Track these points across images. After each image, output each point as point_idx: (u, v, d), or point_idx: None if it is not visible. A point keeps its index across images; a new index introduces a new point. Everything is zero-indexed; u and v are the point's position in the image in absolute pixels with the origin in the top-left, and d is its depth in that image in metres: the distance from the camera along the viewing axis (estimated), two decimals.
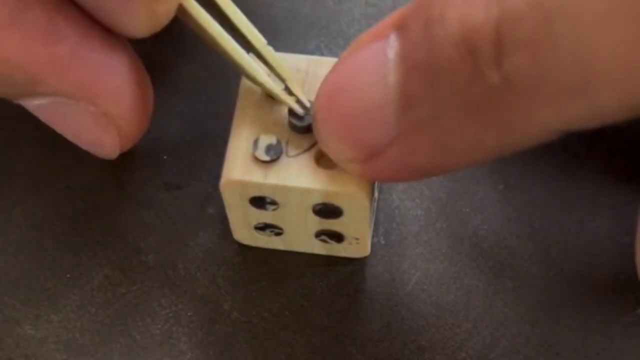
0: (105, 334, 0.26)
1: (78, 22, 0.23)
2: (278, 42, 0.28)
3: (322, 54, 0.29)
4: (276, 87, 0.24)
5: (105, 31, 0.24)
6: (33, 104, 0.24)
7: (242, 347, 0.25)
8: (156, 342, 0.25)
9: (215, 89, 0.29)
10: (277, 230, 0.25)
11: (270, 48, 0.24)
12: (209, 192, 0.27)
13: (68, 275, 0.26)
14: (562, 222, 0.26)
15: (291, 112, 0.23)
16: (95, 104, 0.24)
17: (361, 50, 0.21)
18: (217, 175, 0.24)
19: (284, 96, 0.23)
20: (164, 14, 0.22)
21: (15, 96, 0.25)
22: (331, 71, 0.22)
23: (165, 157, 0.28)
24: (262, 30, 0.24)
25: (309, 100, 0.23)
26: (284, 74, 0.24)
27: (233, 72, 0.24)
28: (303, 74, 0.24)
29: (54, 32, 0.23)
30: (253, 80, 0.24)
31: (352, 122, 0.21)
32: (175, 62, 0.26)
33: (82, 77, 0.24)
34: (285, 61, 0.24)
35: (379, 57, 0.20)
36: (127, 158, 0.27)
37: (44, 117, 0.25)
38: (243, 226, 0.25)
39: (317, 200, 0.23)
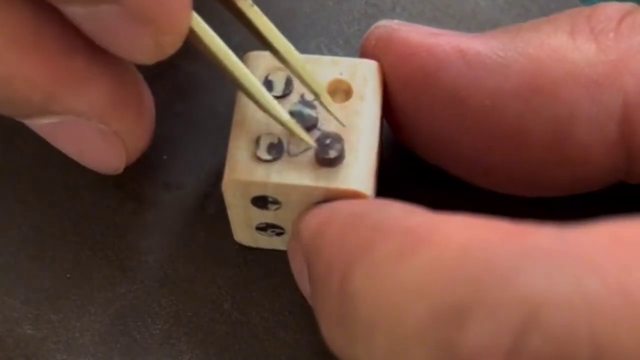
0: (105, 334, 0.26)
1: (89, 41, 0.23)
2: None
3: (322, 54, 0.29)
4: (284, 115, 0.23)
5: None
6: (40, 123, 0.25)
7: (242, 347, 0.25)
8: (156, 342, 0.25)
9: (215, 89, 0.29)
10: (278, 230, 0.25)
11: (308, 66, 0.24)
12: (209, 192, 0.27)
13: (68, 275, 0.26)
14: None
15: (293, 113, 0.23)
16: (106, 122, 0.24)
17: None
18: (217, 175, 0.24)
19: (291, 125, 0.23)
20: (170, 44, 0.22)
21: (27, 115, 0.24)
22: None
23: (165, 157, 0.28)
24: None
25: (334, 135, 0.23)
26: (318, 89, 0.23)
27: None
28: None
29: (71, 48, 0.23)
30: (264, 109, 0.23)
31: None
32: (175, 62, 0.26)
33: (96, 94, 0.24)
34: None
35: None
36: None
37: (49, 136, 0.25)
38: (244, 227, 0.25)
39: (320, 198, 0.23)
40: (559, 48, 0.23)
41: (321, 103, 0.23)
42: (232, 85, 0.23)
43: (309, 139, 0.23)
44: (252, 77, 0.23)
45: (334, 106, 0.23)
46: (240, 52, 0.24)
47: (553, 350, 0.17)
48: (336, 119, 0.23)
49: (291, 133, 0.23)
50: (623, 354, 0.16)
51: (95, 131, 0.24)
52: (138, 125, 0.25)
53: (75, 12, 0.22)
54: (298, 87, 0.24)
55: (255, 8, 0.23)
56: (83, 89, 0.23)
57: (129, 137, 0.25)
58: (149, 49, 0.22)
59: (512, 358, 0.17)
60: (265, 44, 0.24)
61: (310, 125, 0.23)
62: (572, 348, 0.16)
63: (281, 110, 0.23)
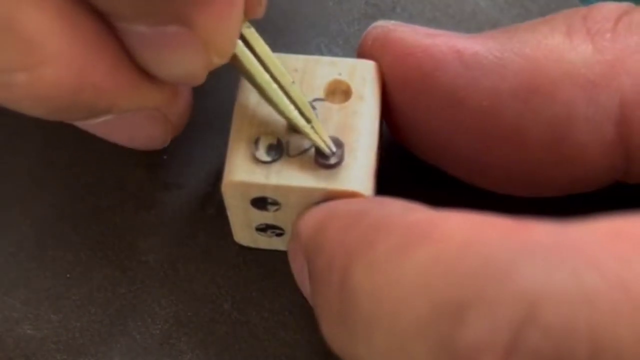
0: (105, 334, 0.26)
1: None
2: (278, 42, 0.29)
3: (322, 54, 0.29)
4: (300, 121, 0.23)
5: None
6: (96, 122, 0.24)
7: (242, 347, 0.25)
8: (156, 342, 0.26)
9: (216, 88, 0.29)
10: (278, 231, 0.25)
11: (296, 87, 0.23)
12: (209, 192, 0.27)
13: (68, 275, 0.26)
14: None
15: (318, 151, 0.23)
16: (160, 108, 0.24)
17: None
18: (217, 175, 0.24)
19: (307, 129, 0.23)
20: (217, 65, 0.22)
21: (88, 118, 0.24)
22: None
23: (165, 157, 0.28)
24: (262, 30, 0.24)
25: (335, 139, 0.23)
26: (309, 114, 0.23)
27: (233, 72, 0.24)
28: (301, 74, 0.24)
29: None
30: (291, 123, 0.23)
31: None
32: None
33: (157, 92, 0.24)
34: (284, 61, 0.24)
35: None
36: (127, 158, 0.27)
37: (98, 129, 0.25)
38: (244, 228, 0.25)
39: (319, 199, 0.23)
40: (556, 48, 0.23)
41: (306, 134, 0.23)
42: (232, 85, 0.23)
43: (329, 144, 0.23)
44: (270, 80, 0.23)
45: (325, 133, 0.23)
46: None
47: (552, 345, 0.17)
48: (328, 146, 0.23)
49: (307, 137, 0.23)
50: (622, 349, 0.16)
51: (146, 117, 0.25)
52: (183, 105, 0.25)
53: (138, 30, 0.21)
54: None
55: (252, 29, 0.24)
56: (145, 90, 0.23)
57: (176, 115, 0.25)
58: (199, 70, 0.22)
59: (510, 353, 0.17)
60: (260, 64, 0.24)
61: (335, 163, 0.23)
62: (571, 343, 0.16)
63: (297, 116, 0.23)
